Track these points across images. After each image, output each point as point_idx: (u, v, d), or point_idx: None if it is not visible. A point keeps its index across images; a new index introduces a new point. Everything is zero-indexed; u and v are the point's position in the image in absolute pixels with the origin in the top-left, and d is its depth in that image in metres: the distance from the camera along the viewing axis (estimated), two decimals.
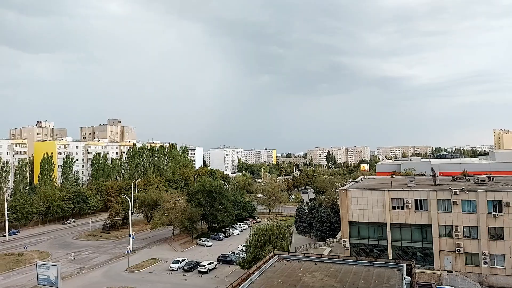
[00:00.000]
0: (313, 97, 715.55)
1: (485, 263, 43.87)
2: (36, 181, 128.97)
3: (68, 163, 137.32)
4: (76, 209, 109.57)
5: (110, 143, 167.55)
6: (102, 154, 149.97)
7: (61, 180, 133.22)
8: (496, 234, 44.05)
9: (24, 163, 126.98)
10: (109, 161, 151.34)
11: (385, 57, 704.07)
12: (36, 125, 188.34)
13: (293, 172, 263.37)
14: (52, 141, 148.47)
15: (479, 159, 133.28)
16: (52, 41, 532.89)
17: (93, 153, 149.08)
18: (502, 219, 43.53)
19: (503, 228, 43.60)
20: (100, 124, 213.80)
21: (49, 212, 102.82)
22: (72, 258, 68.84)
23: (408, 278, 24.43)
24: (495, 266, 43.78)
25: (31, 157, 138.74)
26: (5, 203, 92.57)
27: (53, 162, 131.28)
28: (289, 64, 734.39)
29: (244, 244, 55.87)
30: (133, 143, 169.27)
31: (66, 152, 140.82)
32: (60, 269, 46.88)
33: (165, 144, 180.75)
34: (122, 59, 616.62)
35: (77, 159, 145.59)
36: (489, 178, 56.24)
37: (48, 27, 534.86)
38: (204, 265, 59.34)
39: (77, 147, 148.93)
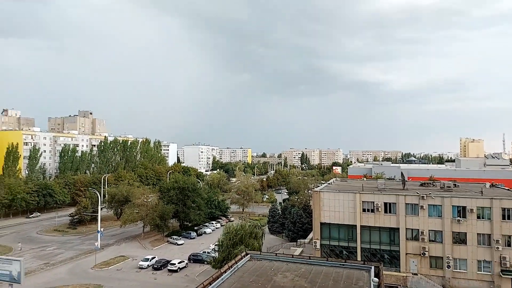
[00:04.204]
0: (290, 98, 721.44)
1: (449, 266, 45.70)
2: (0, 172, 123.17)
3: (34, 154, 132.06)
4: (41, 203, 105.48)
5: (80, 136, 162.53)
6: (71, 146, 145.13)
7: (27, 172, 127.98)
8: (460, 239, 45.95)
9: None
10: (79, 154, 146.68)
11: (362, 62, 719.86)
12: (2, 113, 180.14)
13: (268, 172, 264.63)
14: (18, 131, 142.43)
15: (446, 165, 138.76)
16: (23, 27, 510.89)
17: (62, 145, 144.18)
18: (466, 224, 45.45)
19: (466, 233, 45.54)
20: (70, 115, 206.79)
21: (13, 204, 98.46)
22: (19, 249, 68.04)
23: (376, 279, 25.06)
24: (458, 270, 45.67)
25: None
26: None
27: (18, 152, 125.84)
28: (268, 64, 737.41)
29: (216, 243, 55.57)
30: (105, 136, 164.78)
31: (33, 143, 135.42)
32: (24, 264, 44.95)
33: (138, 139, 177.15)
34: (97, 50, 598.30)
35: (45, 151, 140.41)
36: (455, 185, 58.58)
37: (20, 11, 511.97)
38: (174, 264, 58.60)
39: (45, 138, 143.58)
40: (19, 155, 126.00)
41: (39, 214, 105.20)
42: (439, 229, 46.38)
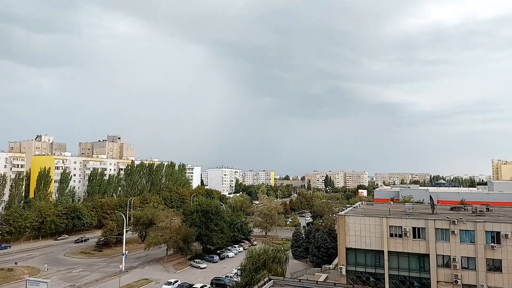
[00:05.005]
0: (313, 120, 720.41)
1: None
2: (31, 195, 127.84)
3: (65, 178, 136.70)
4: (70, 225, 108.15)
5: (109, 160, 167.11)
6: (99, 170, 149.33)
7: (57, 195, 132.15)
8: (494, 266, 43.40)
9: (21, 177, 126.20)
10: (107, 177, 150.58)
11: (386, 84, 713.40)
12: (36, 139, 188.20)
13: (291, 195, 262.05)
14: (50, 156, 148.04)
15: (478, 188, 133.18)
16: (57, 57, 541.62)
17: (91, 169, 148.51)
18: (500, 251, 43.00)
19: (501, 260, 43.00)
20: (99, 140, 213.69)
21: (43, 227, 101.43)
22: (45, 270, 70.61)
23: None
24: None
25: (29, 171, 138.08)
26: None
27: (50, 176, 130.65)
28: (291, 87, 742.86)
29: (239, 268, 54.94)
30: (132, 160, 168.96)
31: (63, 167, 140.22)
32: (51, 286, 45.93)
33: (163, 162, 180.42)
34: (125, 78, 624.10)
35: (74, 175, 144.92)
36: (488, 209, 55.95)
37: (55, 43, 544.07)
38: None
39: (75, 162, 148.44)
40: (50, 179, 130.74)
41: (67, 236, 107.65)
42: (472, 255, 44.05)
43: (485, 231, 43.89)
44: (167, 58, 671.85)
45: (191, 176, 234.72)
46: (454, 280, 44.01)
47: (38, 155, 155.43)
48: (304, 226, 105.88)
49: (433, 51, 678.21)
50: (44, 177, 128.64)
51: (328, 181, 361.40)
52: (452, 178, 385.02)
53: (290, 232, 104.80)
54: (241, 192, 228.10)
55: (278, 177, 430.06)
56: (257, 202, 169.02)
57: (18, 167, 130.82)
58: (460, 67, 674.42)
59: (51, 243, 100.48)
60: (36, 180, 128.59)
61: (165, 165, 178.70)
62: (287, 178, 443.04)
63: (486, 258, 43.46)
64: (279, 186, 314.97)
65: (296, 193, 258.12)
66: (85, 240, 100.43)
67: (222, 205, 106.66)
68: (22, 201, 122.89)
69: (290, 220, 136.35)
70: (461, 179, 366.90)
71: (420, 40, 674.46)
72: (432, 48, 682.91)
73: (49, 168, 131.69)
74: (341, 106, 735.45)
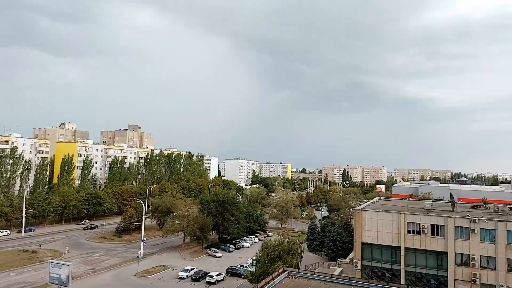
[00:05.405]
0: (332, 114, 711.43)
1: None
2: (55, 180, 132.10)
3: (87, 165, 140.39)
4: (91, 211, 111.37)
5: (129, 148, 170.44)
6: (120, 158, 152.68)
7: (79, 182, 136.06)
8: None
9: (45, 163, 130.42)
10: (127, 165, 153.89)
11: (408, 78, 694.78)
12: (60, 126, 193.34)
13: (307, 188, 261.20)
14: (73, 143, 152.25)
15: (501, 187, 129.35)
16: (80, 47, 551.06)
17: (112, 156, 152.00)
18: None
19: None
20: (120, 129, 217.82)
21: (65, 212, 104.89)
22: (66, 252, 74.05)
23: None
24: None
25: (52, 157, 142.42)
26: (24, 200, 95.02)
27: (73, 163, 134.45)
28: (310, 80, 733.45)
29: (254, 258, 55.49)
30: (151, 149, 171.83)
31: (86, 154, 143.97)
32: (72, 269, 47.57)
33: (182, 152, 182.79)
34: (147, 68, 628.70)
35: (96, 162, 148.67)
36: (510, 208, 54.46)
37: (78, 33, 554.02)
38: (213, 276, 59.21)
39: (97, 150, 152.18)
40: (73, 166, 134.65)
41: (88, 221, 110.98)
42: (492, 255, 43.10)
43: (507, 230, 42.81)
44: (188, 49, 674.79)
45: (209, 166, 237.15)
46: (473, 279, 43.24)
47: (62, 142, 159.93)
48: (320, 220, 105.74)
49: (458, 45, 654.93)
50: (67, 163, 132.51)
51: (345, 176, 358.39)
52: (474, 176, 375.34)
53: (305, 225, 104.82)
54: (257, 184, 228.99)
55: (295, 170, 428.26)
56: (273, 194, 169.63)
57: (42, 153, 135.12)
58: (486, 62, 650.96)
59: (73, 228, 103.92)
60: (60, 166, 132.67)
61: (183, 155, 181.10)
62: (304, 171, 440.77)
63: (507, 258, 42.47)
64: (295, 179, 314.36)
65: (313, 186, 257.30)
66: (92, 228, 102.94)
67: (238, 196, 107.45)
68: (46, 186, 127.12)
69: (306, 213, 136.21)
70: (483, 177, 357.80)
71: (444, 33, 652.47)
72: (457, 42, 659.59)
73: (72, 155, 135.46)
74: (361, 100, 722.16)
